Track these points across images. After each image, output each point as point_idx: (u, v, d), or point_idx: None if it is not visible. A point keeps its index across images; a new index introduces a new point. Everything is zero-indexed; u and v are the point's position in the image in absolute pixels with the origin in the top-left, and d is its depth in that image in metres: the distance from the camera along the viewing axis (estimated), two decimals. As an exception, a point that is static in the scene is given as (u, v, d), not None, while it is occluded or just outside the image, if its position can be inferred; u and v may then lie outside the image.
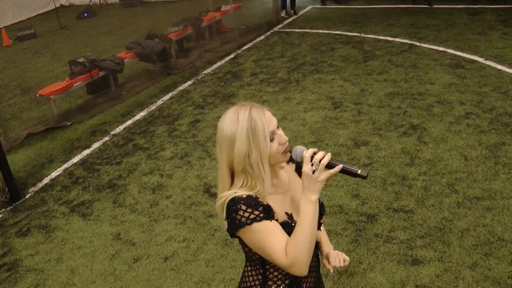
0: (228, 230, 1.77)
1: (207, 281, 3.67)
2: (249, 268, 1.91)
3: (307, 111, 6.09)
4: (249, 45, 9.09)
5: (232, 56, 8.65)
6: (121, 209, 4.72)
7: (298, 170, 1.95)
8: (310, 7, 11.48)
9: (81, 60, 7.48)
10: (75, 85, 7.27)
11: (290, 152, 1.80)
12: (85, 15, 13.74)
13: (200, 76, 7.91)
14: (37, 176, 5.57)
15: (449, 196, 4.24)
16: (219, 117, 6.50)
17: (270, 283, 1.86)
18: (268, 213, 1.71)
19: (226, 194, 1.75)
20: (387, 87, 6.46)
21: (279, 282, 1.86)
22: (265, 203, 1.73)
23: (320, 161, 1.65)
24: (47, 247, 4.34)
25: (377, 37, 8.56)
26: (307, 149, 1.72)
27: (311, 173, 1.65)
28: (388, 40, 8.34)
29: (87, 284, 3.84)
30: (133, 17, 12.28)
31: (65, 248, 4.30)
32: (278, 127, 1.76)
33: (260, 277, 1.87)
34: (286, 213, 1.80)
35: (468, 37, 8.11)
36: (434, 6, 10.15)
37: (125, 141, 6.08)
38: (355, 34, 8.86)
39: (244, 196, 1.71)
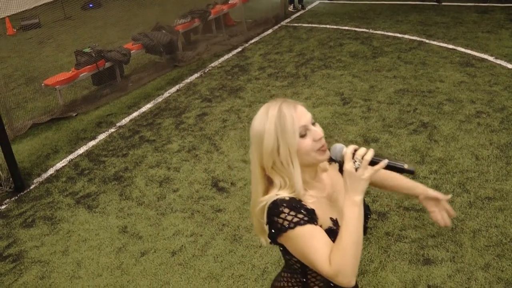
0: (269, 236, 1.66)
1: (216, 277, 3.62)
2: (288, 274, 1.84)
3: (316, 106, 6.02)
4: (257, 39, 9.01)
5: (239, 49, 8.58)
6: (128, 202, 4.67)
7: (342, 169, 1.85)
8: (318, 2, 11.40)
9: (88, 50, 7.42)
10: (81, 75, 7.21)
11: (329, 150, 1.69)
12: (91, 5, 13.67)
13: (207, 69, 7.84)
14: (42, 166, 5.52)
15: (460, 195, 4.18)
16: (226, 110, 6.49)
17: None
18: (312, 217, 1.61)
19: (267, 198, 1.66)
20: (397, 84, 6.39)
21: None
22: (309, 207, 1.63)
23: (363, 157, 1.54)
24: (53, 239, 4.29)
25: (385, 33, 8.48)
26: (347, 146, 1.62)
27: (354, 171, 1.54)
28: (397, 36, 8.26)
29: (93, 277, 3.79)
30: (139, 8, 12.20)
31: (71, 240, 4.25)
32: (314, 123, 1.67)
33: (300, 285, 1.78)
34: (331, 219, 1.70)
35: (477, 35, 8.02)
36: (443, 3, 10.06)
37: (131, 133, 6.02)
38: (364, 30, 8.78)
39: (287, 198, 1.62)
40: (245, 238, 3.94)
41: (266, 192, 1.69)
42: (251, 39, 9.00)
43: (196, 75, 7.67)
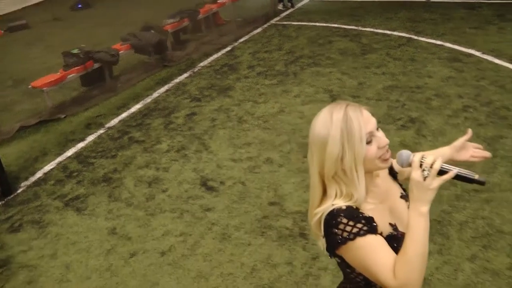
0: (327, 249, 1.58)
1: (205, 276, 3.60)
2: None
3: (305, 104, 6.01)
4: (246, 37, 8.99)
5: (229, 48, 8.55)
6: (117, 203, 4.64)
7: (392, 172, 1.81)
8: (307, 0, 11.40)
9: (76, 51, 7.36)
10: (69, 77, 7.15)
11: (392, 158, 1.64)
12: (79, 6, 13.57)
13: (197, 69, 7.81)
14: (30, 170, 5.47)
15: (448, 188, 4.19)
16: (216, 109, 6.46)
17: None
18: (371, 226, 1.53)
19: (322, 209, 1.57)
20: (386, 80, 6.39)
21: None
22: (367, 215, 1.55)
23: (431, 166, 1.46)
24: (41, 243, 4.25)
25: (375, 30, 8.48)
26: (414, 153, 1.54)
27: (423, 180, 1.46)
28: (386, 33, 8.26)
29: (82, 280, 3.76)
30: (128, 8, 12.15)
31: (59, 243, 4.21)
32: (377, 129, 1.58)
33: None
34: (390, 224, 1.62)
35: (465, 31, 8.04)
36: (432, 0, 10.08)
37: (121, 134, 5.99)
38: (353, 27, 8.77)
39: (344, 207, 1.54)
40: (234, 237, 3.93)
41: (321, 202, 1.61)
42: (241, 38, 8.97)
43: (185, 74, 7.64)
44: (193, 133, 5.71)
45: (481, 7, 9.27)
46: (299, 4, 10.89)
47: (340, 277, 3.35)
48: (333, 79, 6.61)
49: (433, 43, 7.60)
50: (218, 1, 9.88)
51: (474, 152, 1.95)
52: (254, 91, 6.58)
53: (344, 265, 1.62)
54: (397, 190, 1.76)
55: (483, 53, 7.02)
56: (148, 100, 6.90)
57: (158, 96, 6.97)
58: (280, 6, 10.51)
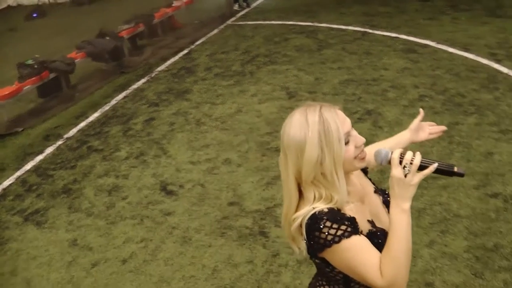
0: (309, 252, 1.55)
1: (167, 280, 3.61)
2: (327, 287, 1.71)
3: (262, 102, 6.07)
4: (203, 39, 8.99)
5: (186, 51, 8.54)
6: (77, 214, 4.60)
7: (363, 168, 1.80)
8: (262, -2, 11.48)
9: (30, 62, 7.25)
10: (24, 88, 7.04)
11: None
12: (35, 15, 13.33)
13: (154, 74, 7.78)
14: (-12, 187, 5.38)
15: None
16: (174, 113, 6.46)
17: None
18: (355, 226, 1.51)
19: (302, 213, 1.52)
20: (342, 75, 6.49)
21: None
22: (349, 216, 1.52)
23: (411, 162, 1.46)
24: (0, 260, 4.18)
25: (330, 26, 8.59)
26: (392, 150, 1.52)
27: (404, 177, 1.45)
28: (342, 28, 8.38)
29: (43, 294, 3.73)
30: (85, 16, 12.00)
31: (20, 259, 4.16)
32: (352, 128, 1.56)
33: None
34: (368, 221, 1.61)
35: (419, 23, 8.22)
36: (386, -7, 10.26)
37: (79, 144, 5.94)
38: (309, 23, 8.87)
39: (326, 210, 1.50)
40: (194, 239, 3.95)
41: (298, 206, 1.57)
42: (198, 40, 8.97)
43: (143, 80, 7.60)
44: (152, 138, 5.70)
45: (435, -1, 9.50)
46: (255, 4, 10.95)
47: (301, 273, 3.44)
48: (290, 76, 6.68)
49: (388, 36, 7.75)
50: (173, 5, 9.86)
51: (431, 129, 1.98)
52: (211, 93, 6.60)
53: (324, 265, 1.60)
54: (370, 186, 1.76)
55: (438, 43, 7.20)
56: (106, 107, 6.85)
57: (116, 103, 6.92)
58: (236, 7, 10.55)
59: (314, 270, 3.39)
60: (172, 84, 7.21)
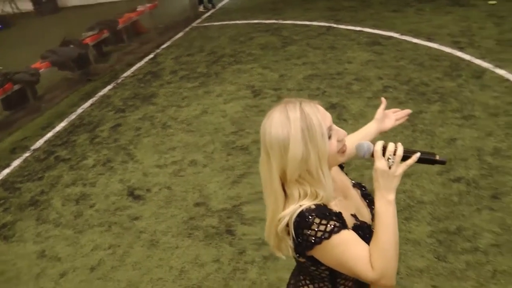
0: (297, 251, 1.52)
1: (135, 284, 3.61)
2: (311, 286, 1.68)
3: (227, 102, 6.09)
4: (169, 43, 8.99)
5: (151, 56, 8.52)
6: (45, 225, 4.56)
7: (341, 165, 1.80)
8: (227, -1, 11.52)
9: (-8, 75, 7.16)
10: (-12, 102, 6.95)
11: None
12: (0, 27, 13.16)
13: (120, 80, 7.75)
14: (-47, 203, 5.29)
15: (369, 168, 4.34)
16: (140, 118, 6.43)
17: None
18: (343, 222, 1.49)
19: (289, 212, 1.49)
20: (306, 70, 6.54)
21: None
22: (336, 211, 1.51)
23: (394, 154, 1.45)
24: (-33, 278, 4.13)
25: (295, 22, 8.65)
26: (373, 144, 1.51)
27: (388, 168, 1.45)
28: (306, 24, 8.45)
29: (11, 308, 3.69)
30: (50, 25, 11.87)
31: (-13, 275, 4.11)
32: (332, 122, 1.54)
33: None
34: (352, 215, 1.59)
35: (384, 15, 8.33)
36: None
37: (46, 155, 5.88)
38: (273, 21, 8.93)
39: (313, 206, 1.47)
40: (162, 242, 3.95)
41: (284, 204, 1.53)
42: (163, 44, 8.96)
43: (109, 87, 7.56)
44: (119, 144, 5.68)
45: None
46: (220, 4, 10.98)
47: (267, 268, 3.47)
48: (255, 75, 6.71)
49: (352, 30, 7.84)
50: (137, 10, 9.82)
51: (396, 115, 1.97)
52: (177, 96, 6.60)
53: (310, 263, 1.57)
54: (348, 181, 1.76)
55: (402, 34, 7.30)
56: (73, 116, 6.80)
57: (83, 112, 6.87)
58: (201, 8, 10.56)
59: (280, 264, 3.45)
60: (138, 89, 7.18)
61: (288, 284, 1.84)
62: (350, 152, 1.71)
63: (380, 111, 1.95)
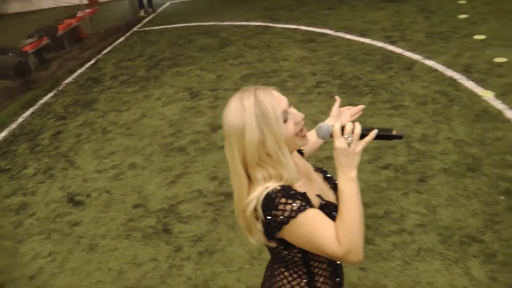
0: (267, 233, 1.56)
1: (74, 289, 3.69)
2: (286, 273, 1.71)
3: (166, 105, 6.19)
4: (110, 48, 9.00)
5: (92, 61, 8.52)
6: (-17, 238, 4.55)
7: (299, 150, 1.86)
8: (168, 2, 11.57)
9: None
10: None
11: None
12: None
13: (62, 87, 7.72)
14: None
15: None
16: (80, 125, 6.44)
17: (316, 278, 1.70)
18: (308, 201, 1.54)
19: (256, 195, 1.53)
20: (243, 70, 6.72)
21: (325, 273, 1.71)
22: (301, 191, 1.56)
23: (352, 132, 1.51)
24: None
25: (233, 23, 8.82)
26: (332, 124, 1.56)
27: (347, 146, 1.50)
28: (244, 25, 8.63)
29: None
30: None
31: None
32: (290, 105, 1.58)
33: (304, 277, 1.70)
34: (317, 195, 1.65)
35: (319, 13, 8.59)
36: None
37: (-14, 167, 5.83)
38: (212, 23, 9.07)
39: (278, 187, 1.52)
40: (100, 245, 4.03)
41: (249, 188, 1.58)
42: (104, 49, 8.96)
43: (50, 94, 7.52)
44: (59, 152, 5.69)
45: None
46: (161, 8, 11.03)
47: (202, 263, 3.61)
48: (193, 77, 6.84)
49: (288, 28, 8.06)
50: (77, 15, 9.75)
51: (351, 111, 2.02)
52: (117, 101, 6.65)
53: (281, 248, 1.61)
54: (310, 166, 1.80)
55: (336, 31, 7.56)
56: (13, 126, 6.74)
57: (23, 121, 6.82)
58: (141, 13, 10.58)
59: (214, 258, 3.60)
60: (79, 95, 7.19)
61: (264, 276, 1.89)
62: (314, 142, 1.89)
63: (335, 108, 2.00)
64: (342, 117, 1.99)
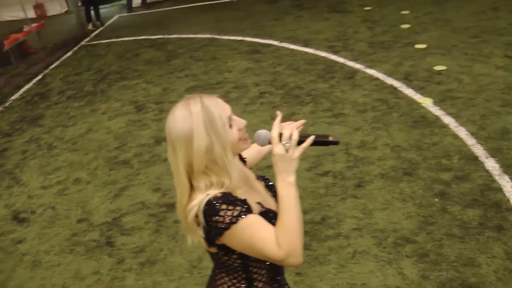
0: (208, 239, 1.59)
1: (17, 306, 3.73)
2: (227, 278, 1.75)
3: (112, 119, 6.28)
4: (57, 63, 8.99)
5: (40, 77, 8.50)
6: None
7: (241, 158, 1.91)
8: (117, 16, 11.60)
9: None
10: None
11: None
12: None
13: (8, 103, 7.67)
14: None
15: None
16: (26, 141, 6.46)
17: (255, 283, 1.74)
18: (248, 207, 1.58)
19: (197, 202, 1.56)
20: (188, 82, 6.87)
21: (264, 279, 1.75)
22: (241, 198, 1.59)
23: (290, 138, 1.55)
24: None
25: (180, 36, 8.96)
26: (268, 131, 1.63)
27: (285, 152, 1.54)
28: (191, 37, 8.78)
29: None
30: None
31: None
32: (231, 112, 1.64)
33: (243, 282, 1.74)
34: (258, 203, 1.69)
35: (264, 24, 8.81)
36: (235, -1, 10.80)
37: None
38: (160, 36, 9.19)
39: (219, 194, 1.56)
40: (44, 261, 4.08)
41: (190, 197, 1.60)
42: (52, 64, 8.95)
43: (-4, 111, 7.48)
44: (4, 169, 5.69)
45: (281, 0, 10.12)
46: (109, 22, 11.06)
47: (143, 274, 3.73)
48: (139, 90, 6.95)
49: (234, 40, 8.25)
50: (24, 30, 9.69)
51: (292, 127, 2.11)
52: (64, 116, 6.68)
53: (222, 254, 1.65)
54: (252, 174, 1.84)
55: (281, 41, 7.78)
56: (-43, 147, 6.67)
57: (-33, 141, 6.76)
58: (89, 26, 10.59)
59: (155, 267, 3.72)
60: (25, 111, 7.17)
61: (209, 280, 1.92)
62: (257, 151, 1.97)
63: (276, 123, 2.07)
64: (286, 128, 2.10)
